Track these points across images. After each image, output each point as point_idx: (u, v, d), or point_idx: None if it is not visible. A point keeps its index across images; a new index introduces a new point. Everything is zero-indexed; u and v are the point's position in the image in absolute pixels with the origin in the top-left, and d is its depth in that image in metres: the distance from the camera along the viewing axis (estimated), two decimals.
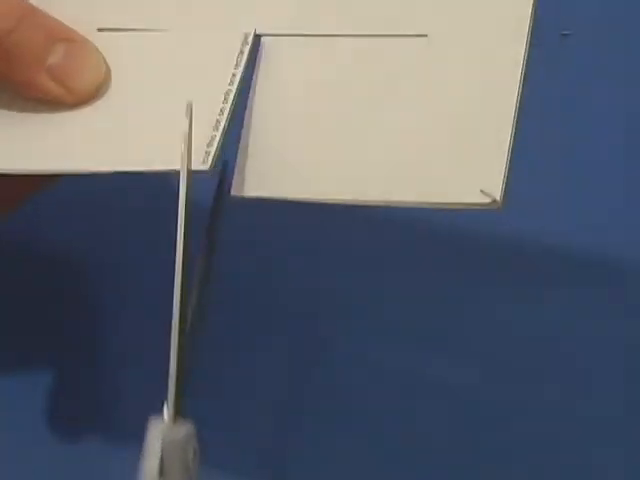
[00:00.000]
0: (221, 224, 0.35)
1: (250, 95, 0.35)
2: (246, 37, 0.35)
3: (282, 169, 0.34)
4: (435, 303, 0.43)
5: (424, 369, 0.41)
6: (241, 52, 0.35)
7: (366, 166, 0.33)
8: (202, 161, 0.32)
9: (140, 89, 0.35)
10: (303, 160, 0.34)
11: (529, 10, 0.34)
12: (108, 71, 0.35)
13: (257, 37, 0.36)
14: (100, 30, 0.36)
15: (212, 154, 0.33)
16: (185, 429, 0.29)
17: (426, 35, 0.34)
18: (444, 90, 0.34)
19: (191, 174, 0.31)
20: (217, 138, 0.33)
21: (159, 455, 0.29)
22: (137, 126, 0.34)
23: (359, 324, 0.42)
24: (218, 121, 0.33)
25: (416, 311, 0.43)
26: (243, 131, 0.34)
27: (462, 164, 0.32)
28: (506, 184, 0.31)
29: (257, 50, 0.36)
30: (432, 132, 0.33)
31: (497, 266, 0.44)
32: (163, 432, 0.29)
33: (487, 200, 0.31)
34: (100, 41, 0.36)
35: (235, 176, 0.34)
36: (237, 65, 0.35)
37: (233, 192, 0.33)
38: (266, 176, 0.34)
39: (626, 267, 0.44)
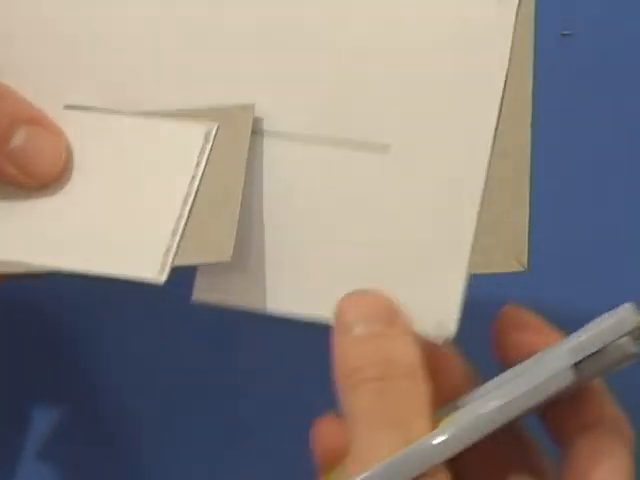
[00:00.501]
0: None
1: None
2: (208, 134, 0.34)
3: (244, 279, 0.33)
4: None
5: None
6: (202, 151, 0.34)
7: (323, 284, 0.33)
8: (158, 272, 0.32)
9: (102, 180, 0.34)
10: (264, 273, 0.33)
11: (491, 134, 0.33)
12: (70, 155, 0.34)
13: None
14: (67, 107, 0.35)
15: (168, 264, 0.32)
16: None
17: (389, 146, 0.34)
18: (400, 208, 0.33)
19: None
20: (174, 247, 0.32)
21: (597, 346, 0.29)
22: (98, 224, 0.34)
23: None
24: (176, 229, 0.33)
25: None
26: None
27: (418, 290, 0.32)
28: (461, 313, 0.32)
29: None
30: (389, 253, 0.33)
31: None
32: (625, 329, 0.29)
33: (440, 336, 0.32)
34: (65, 119, 0.35)
35: (198, 280, 0.33)
36: (198, 165, 0.34)
37: (195, 297, 0.33)
38: (229, 284, 0.33)
39: None
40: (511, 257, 0.32)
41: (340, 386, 0.31)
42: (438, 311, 0.32)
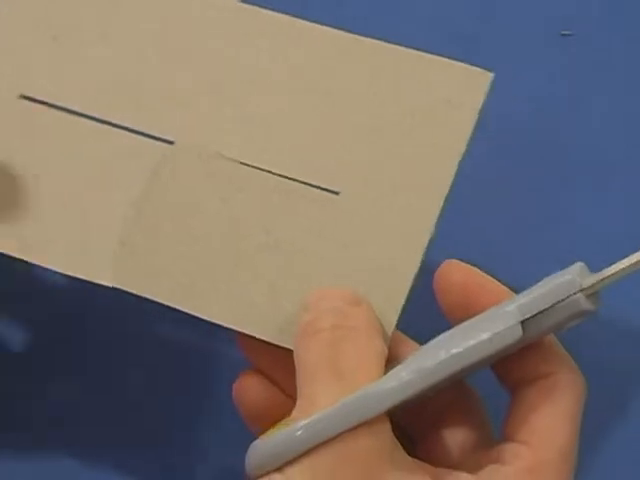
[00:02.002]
0: None
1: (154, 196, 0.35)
2: (165, 151, 0.35)
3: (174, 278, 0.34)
4: None
5: None
6: (159, 165, 0.35)
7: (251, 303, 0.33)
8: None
9: (54, 183, 0.35)
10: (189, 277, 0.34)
11: (442, 201, 0.34)
12: None
13: (177, 147, 0.35)
14: (22, 97, 0.36)
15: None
16: (593, 307, 0.30)
17: (338, 193, 0.34)
18: (347, 254, 0.33)
19: None
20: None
21: (546, 304, 0.30)
22: (49, 222, 0.35)
23: None
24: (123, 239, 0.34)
25: None
26: (130, 225, 0.34)
27: None
28: None
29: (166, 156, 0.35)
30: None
31: None
32: (576, 295, 0.30)
33: None
34: (17, 109, 0.36)
35: (115, 264, 0.34)
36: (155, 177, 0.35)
37: (112, 282, 0.34)
38: (149, 276, 0.34)
39: None
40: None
41: (295, 340, 0.31)
42: None
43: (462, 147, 0.34)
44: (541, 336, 0.31)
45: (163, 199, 0.34)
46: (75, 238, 0.34)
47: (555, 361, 0.32)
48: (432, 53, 0.37)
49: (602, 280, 0.29)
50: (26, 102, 0.36)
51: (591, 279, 0.30)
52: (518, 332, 0.30)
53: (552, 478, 0.30)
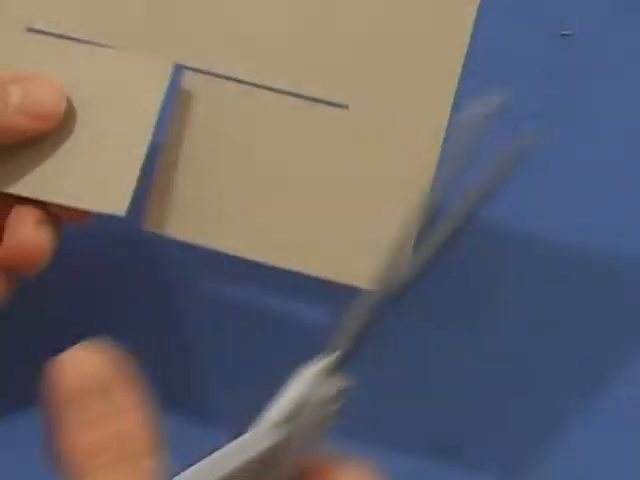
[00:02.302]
0: None
1: (169, 131, 0.35)
2: (174, 69, 0.35)
3: (194, 215, 0.34)
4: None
5: None
6: (167, 87, 0.35)
7: (273, 230, 0.34)
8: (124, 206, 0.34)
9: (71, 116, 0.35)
10: (212, 209, 0.34)
11: (449, 104, 0.33)
12: (63, 89, 0.35)
13: (184, 69, 0.35)
14: (29, 30, 0.36)
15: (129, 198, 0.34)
16: (337, 385, 0.27)
17: (347, 106, 0.34)
18: (357, 167, 0.33)
19: None
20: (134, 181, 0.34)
21: (295, 402, 0.27)
22: (67, 158, 0.35)
23: None
24: (138, 165, 0.34)
25: None
26: (159, 166, 0.35)
27: (360, 248, 0.33)
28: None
29: (180, 83, 0.35)
30: (337, 210, 0.33)
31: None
32: (311, 384, 0.27)
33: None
34: (26, 45, 0.36)
35: (149, 210, 0.34)
36: (163, 102, 0.35)
37: (146, 226, 0.34)
38: (179, 218, 0.34)
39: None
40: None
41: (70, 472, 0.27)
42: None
43: (465, 44, 0.34)
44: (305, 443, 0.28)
45: (180, 129, 0.35)
46: (96, 173, 0.34)
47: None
48: None
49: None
50: (34, 35, 0.36)
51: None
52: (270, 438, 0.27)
53: None
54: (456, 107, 0.48)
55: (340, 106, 0.34)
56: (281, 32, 0.35)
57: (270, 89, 0.34)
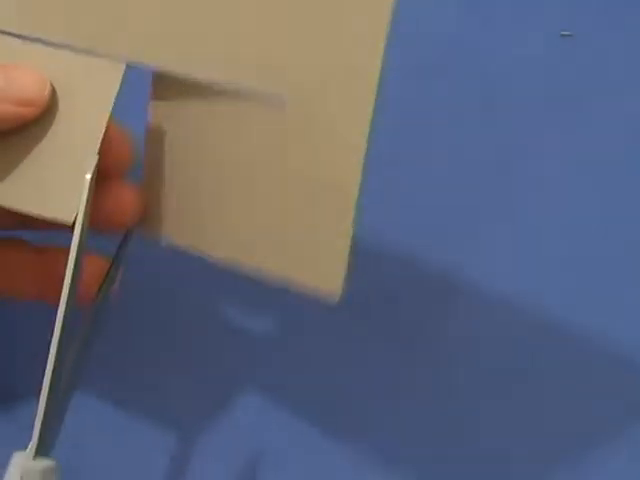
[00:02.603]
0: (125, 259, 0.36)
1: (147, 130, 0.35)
2: (123, 68, 0.34)
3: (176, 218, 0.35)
4: None
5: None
6: (119, 85, 0.34)
7: (227, 226, 0.34)
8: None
9: None
10: (161, 205, 0.35)
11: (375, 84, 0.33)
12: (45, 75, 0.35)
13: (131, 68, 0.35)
14: None
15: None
16: (44, 464, 0.32)
17: (284, 101, 0.34)
18: (296, 163, 0.33)
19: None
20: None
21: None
22: (23, 162, 0.35)
23: None
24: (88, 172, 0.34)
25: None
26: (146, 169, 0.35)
27: (312, 248, 0.33)
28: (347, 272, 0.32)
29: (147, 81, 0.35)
30: (284, 205, 0.34)
31: None
32: (24, 464, 0.32)
33: (329, 292, 0.33)
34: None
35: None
36: (113, 102, 0.34)
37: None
38: (163, 221, 0.35)
39: None
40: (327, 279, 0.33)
41: None
42: (327, 269, 0.33)
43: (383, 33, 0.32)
44: None
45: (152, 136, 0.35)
46: (45, 175, 0.34)
47: None
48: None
49: None
50: None
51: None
52: None
53: None
54: (458, 108, 0.48)
55: (279, 101, 0.34)
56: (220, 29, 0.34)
57: (214, 85, 0.34)
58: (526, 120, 0.48)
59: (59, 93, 0.35)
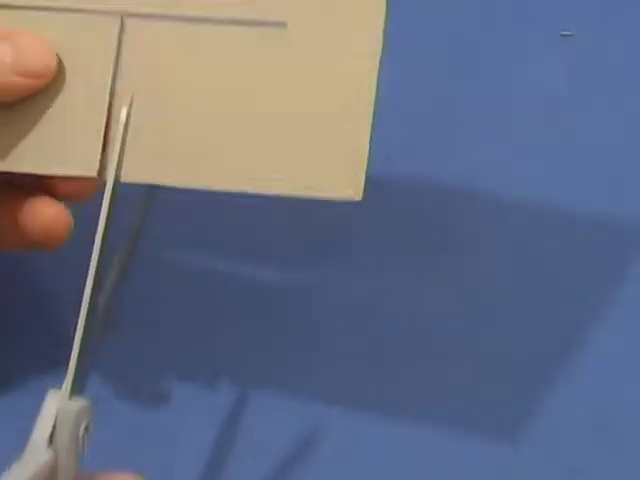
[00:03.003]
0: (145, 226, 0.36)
1: (119, 77, 0.34)
2: (120, 21, 0.35)
3: (159, 155, 0.34)
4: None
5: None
6: (118, 40, 0.35)
7: (236, 156, 0.34)
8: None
9: None
10: (175, 147, 0.34)
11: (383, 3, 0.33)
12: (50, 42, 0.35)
13: (126, 17, 0.35)
14: None
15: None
16: (80, 403, 0.32)
17: (285, 24, 0.34)
18: (304, 83, 0.33)
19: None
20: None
21: (52, 423, 0.31)
22: (42, 124, 0.35)
23: None
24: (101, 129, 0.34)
25: None
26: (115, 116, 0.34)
27: (325, 159, 0.33)
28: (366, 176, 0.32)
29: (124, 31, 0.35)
30: (293, 126, 0.33)
31: None
32: (59, 403, 0.31)
33: (349, 195, 0.33)
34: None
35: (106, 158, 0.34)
36: (117, 55, 0.35)
37: (123, 179, 0.34)
38: (148, 161, 0.34)
39: None
40: (346, 185, 0.33)
41: None
42: (346, 175, 0.33)
43: None
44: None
45: (126, 72, 0.35)
46: (62, 140, 0.35)
47: None
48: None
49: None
50: None
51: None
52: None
53: None
54: (457, 108, 0.48)
55: (279, 24, 0.34)
56: None
57: (201, 19, 0.34)
58: (526, 120, 0.48)
59: (61, 55, 0.35)
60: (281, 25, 0.34)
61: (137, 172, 0.34)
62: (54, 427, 0.31)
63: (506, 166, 0.46)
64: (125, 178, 0.34)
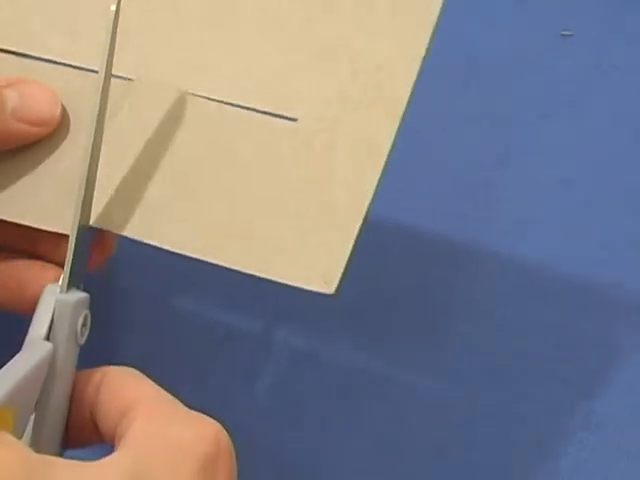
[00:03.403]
0: None
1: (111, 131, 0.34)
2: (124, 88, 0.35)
3: (140, 211, 0.34)
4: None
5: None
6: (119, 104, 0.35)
7: (219, 230, 0.33)
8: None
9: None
10: (159, 207, 0.34)
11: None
12: (57, 93, 0.35)
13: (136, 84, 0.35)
14: None
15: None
16: (77, 296, 0.31)
17: (296, 119, 0.34)
18: (304, 177, 0.33)
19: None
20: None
21: (49, 317, 0.31)
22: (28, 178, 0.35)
23: None
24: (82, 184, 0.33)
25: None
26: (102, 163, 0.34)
27: (305, 250, 0.33)
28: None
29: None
30: (282, 213, 0.33)
31: None
32: (56, 296, 0.31)
33: (324, 289, 0.32)
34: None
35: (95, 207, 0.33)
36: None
37: (93, 223, 0.33)
38: (126, 215, 0.34)
39: None
40: (320, 277, 0.32)
41: None
42: (324, 267, 0.32)
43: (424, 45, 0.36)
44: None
45: (127, 136, 0.34)
46: (37, 187, 0.34)
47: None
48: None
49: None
50: None
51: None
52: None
53: None
54: (457, 108, 0.48)
55: (289, 119, 0.34)
56: (224, 43, 0.35)
57: (216, 100, 0.35)
58: (526, 120, 0.48)
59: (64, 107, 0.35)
60: (293, 121, 0.34)
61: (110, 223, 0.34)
62: (52, 321, 0.31)
63: (506, 165, 0.46)
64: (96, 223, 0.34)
